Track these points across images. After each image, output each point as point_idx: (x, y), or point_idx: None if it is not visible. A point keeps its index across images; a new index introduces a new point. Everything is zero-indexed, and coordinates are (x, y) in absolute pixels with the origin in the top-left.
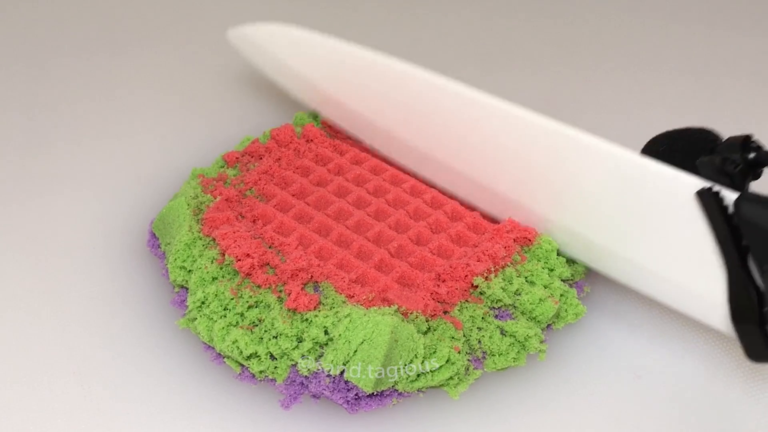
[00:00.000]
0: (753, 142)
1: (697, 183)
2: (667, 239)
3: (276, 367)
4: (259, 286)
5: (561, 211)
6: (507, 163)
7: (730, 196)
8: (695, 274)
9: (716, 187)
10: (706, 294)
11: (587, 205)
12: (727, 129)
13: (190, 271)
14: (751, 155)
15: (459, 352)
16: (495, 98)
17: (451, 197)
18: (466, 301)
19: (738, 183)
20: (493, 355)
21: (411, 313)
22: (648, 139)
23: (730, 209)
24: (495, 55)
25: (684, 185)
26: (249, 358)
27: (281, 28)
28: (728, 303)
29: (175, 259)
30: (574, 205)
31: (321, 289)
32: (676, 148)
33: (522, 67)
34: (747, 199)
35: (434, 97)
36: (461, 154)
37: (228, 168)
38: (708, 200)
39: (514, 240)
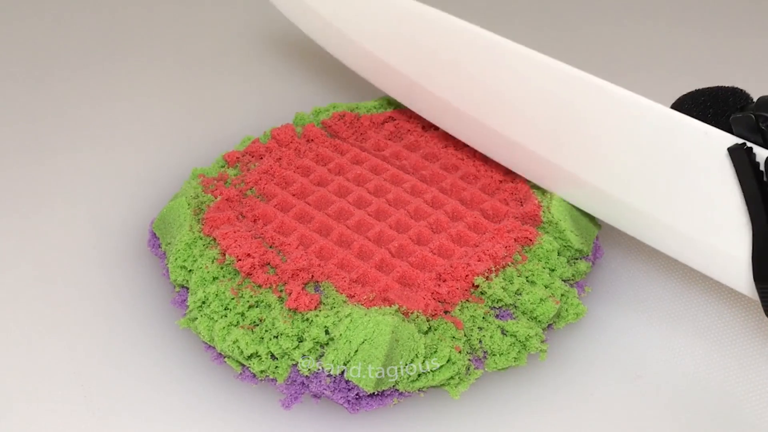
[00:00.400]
0: None
1: (729, 139)
2: (693, 196)
3: (277, 367)
4: (259, 286)
5: (586, 166)
6: (531, 114)
7: (761, 153)
8: (720, 232)
9: (748, 144)
10: (729, 253)
11: (613, 159)
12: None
13: (190, 270)
14: None
15: (460, 352)
16: (522, 47)
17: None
18: (467, 300)
19: None
20: (493, 354)
21: (412, 313)
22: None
23: (761, 167)
24: None
25: (715, 141)
26: (250, 357)
27: None
28: (752, 262)
29: (176, 259)
30: (599, 159)
31: (322, 288)
32: (706, 106)
33: None
34: None
35: (478, 52)
36: (488, 108)
37: (228, 168)
38: (739, 157)
39: (514, 240)
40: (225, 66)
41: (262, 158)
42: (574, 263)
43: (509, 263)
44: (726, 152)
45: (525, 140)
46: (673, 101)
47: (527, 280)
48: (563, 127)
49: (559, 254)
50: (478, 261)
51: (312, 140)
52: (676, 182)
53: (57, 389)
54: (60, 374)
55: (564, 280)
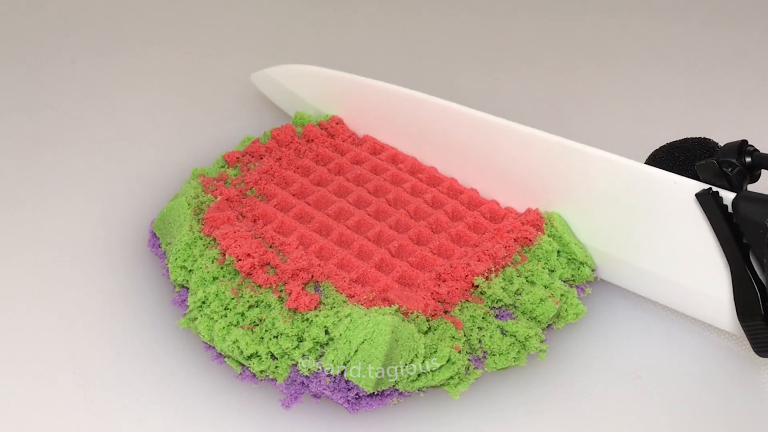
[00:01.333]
0: (749, 146)
1: (697, 186)
2: (670, 243)
3: (277, 367)
4: (259, 286)
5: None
6: (515, 178)
7: (728, 196)
8: (699, 275)
9: (715, 188)
10: (711, 294)
11: (590, 214)
12: (727, 128)
13: (190, 270)
14: (747, 159)
15: (459, 352)
16: (504, 120)
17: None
18: (467, 300)
19: (736, 185)
20: (493, 354)
21: (411, 313)
22: (647, 141)
23: (730, 209)
24: (497, 58)
25: (684, 188)
26: (250, 357)
27: (300, 68)
28: (734, 301)
29: (176, 259)
30: (577, 214)
31: (321, 288)
32: (677, 158)
33: (524, 68)
34: (744, 197)
35: (451, 124)
36: (474, 172)
37: (228, 168)
38: (707, 201)
39: (514, 240)
40: (225, 65)
41: (262, 158)
42: (580, 267)
43: (509, 263)
44: (695, 198)
45: (512, 203)
46: (648, 156)
47: (527, 281)
48: (549, 188)
49: (559, 254)
50: (478, 261)
51: (312, 140)
52: (652, 231)
53: (57, 388)
54: (60, 374)
55: (564, 281)
